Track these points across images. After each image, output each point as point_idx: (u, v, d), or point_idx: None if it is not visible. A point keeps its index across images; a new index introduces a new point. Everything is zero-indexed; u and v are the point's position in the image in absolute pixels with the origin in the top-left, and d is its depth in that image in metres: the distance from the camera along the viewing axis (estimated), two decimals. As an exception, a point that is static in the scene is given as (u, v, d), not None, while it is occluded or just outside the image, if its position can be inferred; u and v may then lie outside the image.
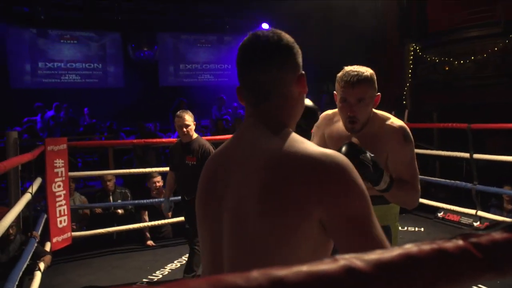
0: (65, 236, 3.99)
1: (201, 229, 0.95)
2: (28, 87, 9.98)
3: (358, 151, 1.50)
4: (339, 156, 0.80)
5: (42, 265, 3.27)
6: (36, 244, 3.17)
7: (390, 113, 1.80)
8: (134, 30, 10.59)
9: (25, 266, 2.71)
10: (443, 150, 5.27)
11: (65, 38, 10.47)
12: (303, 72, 0.91)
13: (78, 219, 4.72)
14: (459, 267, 0.37)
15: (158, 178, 4.85)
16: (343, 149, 1.50)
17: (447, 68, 6.94)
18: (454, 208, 4.80)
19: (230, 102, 9.41)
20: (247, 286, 0.29)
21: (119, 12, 9.65)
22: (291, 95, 0.90)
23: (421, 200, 4.94)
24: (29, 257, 2.87)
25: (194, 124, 3.36)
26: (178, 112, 3.34)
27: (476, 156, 4.45)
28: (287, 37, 0.90)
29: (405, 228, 4.82)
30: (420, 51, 7.33)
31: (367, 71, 1.65)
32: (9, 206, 3.23)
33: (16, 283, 2.44)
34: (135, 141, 5.79)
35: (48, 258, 3.44)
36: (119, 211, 4.86)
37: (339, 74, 1.68)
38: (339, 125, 1.79)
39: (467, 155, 4.54)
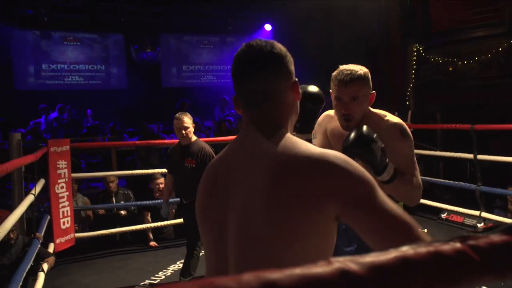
0: (68, 237, 4.00)
1: (204, 231, 0.97)
2: (31, 88, 10.00)
3: (370, 140, 1.50)
4: (336, 153, 0.85)
5: (45, 266, 3.28)
6: (39, 246, 3.18)
7: (393, 113, 1.80)
8: (137, 31, 10.59)
9: (28, 267, 2.72)
10: (446, 151, 5.24)
11: (68, 40, 10.50)
12: (296, 79, 0.95)
13: (81, 220, 4.74)
14: (456, 270, 0.37)
15: (161, 180, 4.84)
16: (353, 136, 1.50)
17: (450, 69, 6.91)
18: (457, 209, 4.77)
19: (232, 103, 9.38)
20: (239, 289, 0.29)
21: (121, 14, 9.66)
22: (286, 102, 0.94)
23: (425, 201, 4.92)
24: (33, 258, 2.89)
25: (193, 126, 3.28)
26: (177, 114, 3.26)
27: (480, 157, 4.42)
28: (279, 46, 0.94)
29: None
30: (423, 51, 7.30)
31: (361, 69, 1.66)
32: (13, 207, 3.24)
33: (20, 284, 2.45)
34: (138, 142, 5.78)
35: (51, 259, 3.45)
36: (122, 212, 4.87)
37: (334, 73, 1.70)
38: None
39: (471, 156, 4.50)
